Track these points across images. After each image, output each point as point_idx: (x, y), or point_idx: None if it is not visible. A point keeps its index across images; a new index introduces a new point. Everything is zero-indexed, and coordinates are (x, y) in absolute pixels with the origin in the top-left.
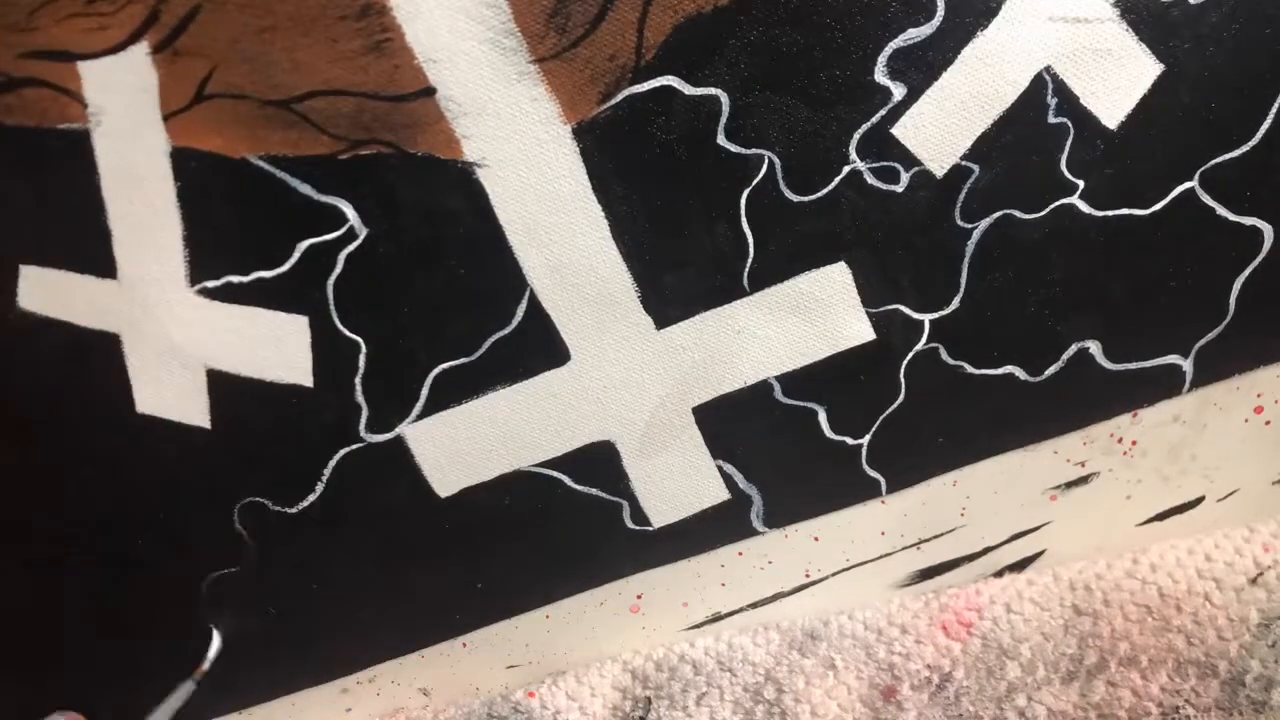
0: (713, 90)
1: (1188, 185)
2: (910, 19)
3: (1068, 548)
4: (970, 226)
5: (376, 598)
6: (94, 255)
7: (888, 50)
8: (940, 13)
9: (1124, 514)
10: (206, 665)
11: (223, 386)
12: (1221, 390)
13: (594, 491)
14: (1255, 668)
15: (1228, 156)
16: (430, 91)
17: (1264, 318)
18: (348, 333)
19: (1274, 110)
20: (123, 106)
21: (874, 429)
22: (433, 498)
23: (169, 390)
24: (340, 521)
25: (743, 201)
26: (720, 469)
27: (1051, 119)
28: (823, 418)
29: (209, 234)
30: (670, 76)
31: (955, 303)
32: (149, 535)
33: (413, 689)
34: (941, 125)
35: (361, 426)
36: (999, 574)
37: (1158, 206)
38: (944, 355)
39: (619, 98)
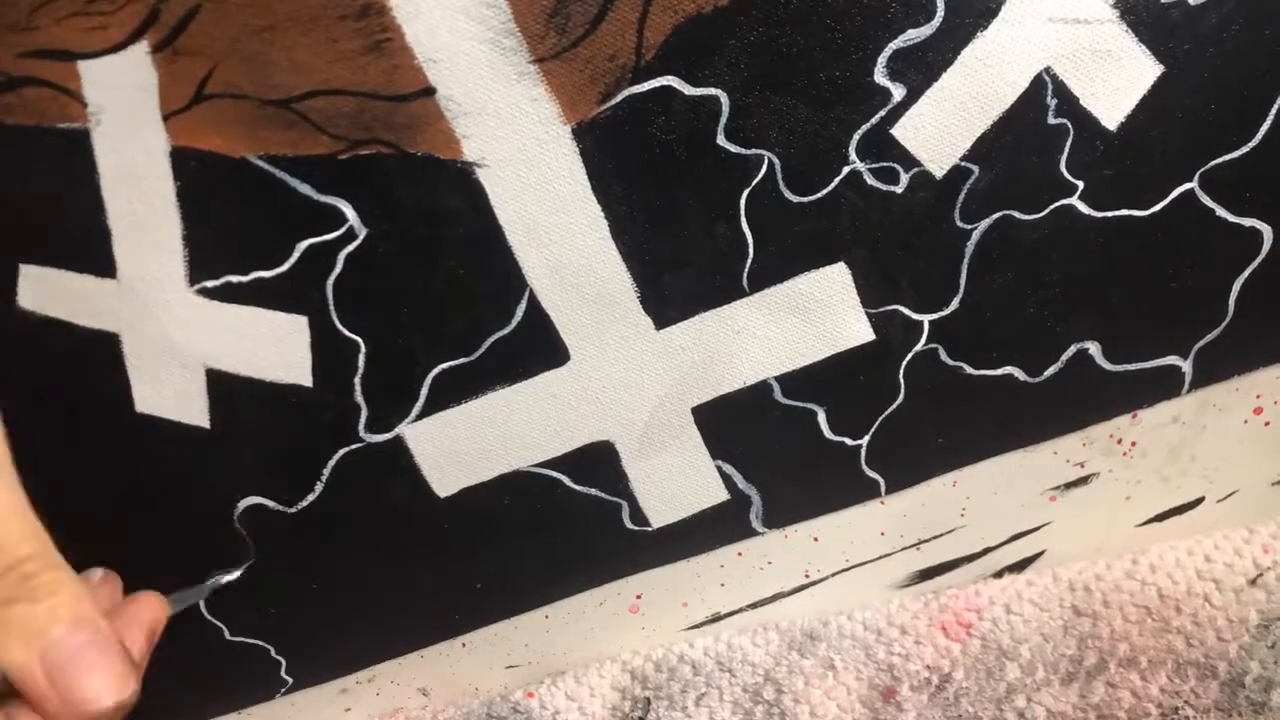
0: (713, 90)
1: (1187, 186)
2: (910, 20)
3: (1067, 548)
4: (970, 227)
5: (376, 598)
6: (94, 255)
7: (888, 51)
8: (940, 13)
9: (1123, 515)
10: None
11: (222, 386)
12: (1221, 391)
13: (593, 492)
14: (1254, 669)
15: (1228, 157)
16: (430, 91)
17: (1263, 319)
18: (347, 333)
19: (1274, 111)
20: (122, 106)
21: (873, 429)
22: (432, 498)
23: (168, 390)
24: (340, 521)
25: (742, 202)
26: (719, 469)
27: (1051, 120)
28: (822, 418)
29: (208, 234)
30: (670, 77)
31: (955, 303)
32: (148, 535)
33: (412, 689)
34: (941, 126)
35: (361, 426)
36: (998, 575)
37: (1157, 207)
38: (943, 356)
39: (619, 98)
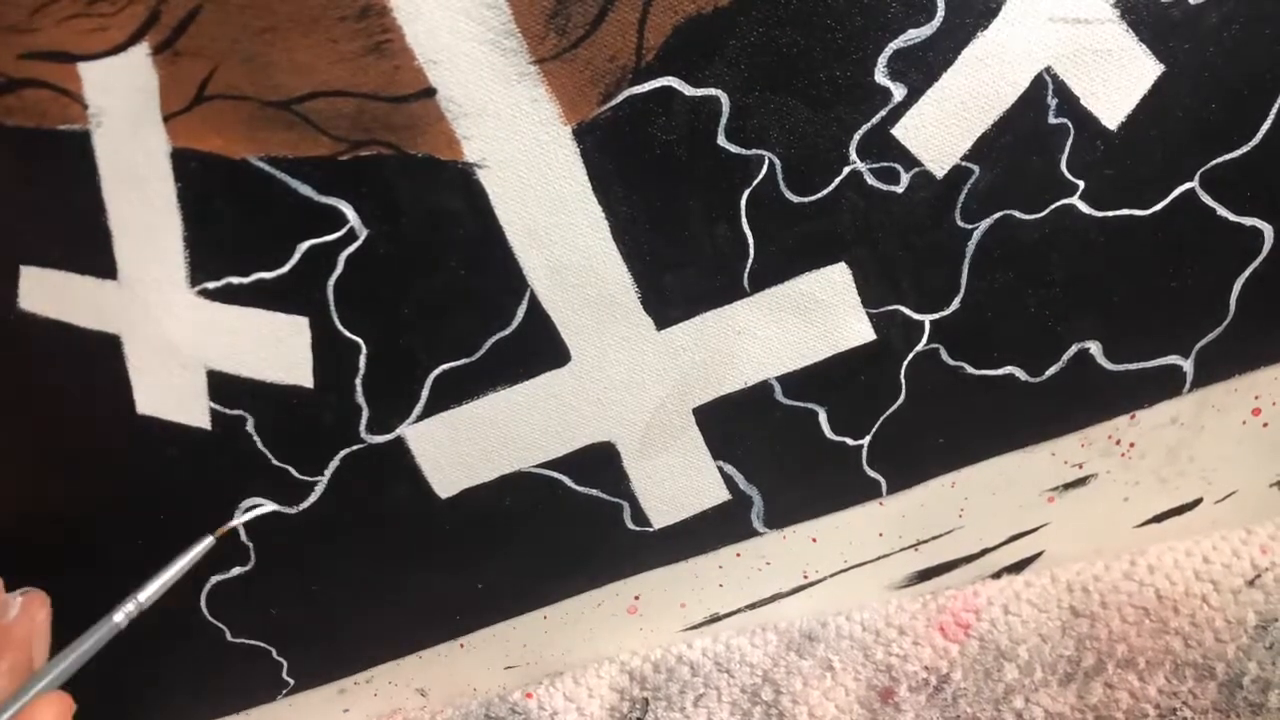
0: (713, 91)
1: (1188, 186)
2: (910, 19)
3: (1065, 549)
4: (970, 227)
5: (375, 598)
6: (94, 256)
7: (888, 51)
8: (940, 13)
9: (1122, 515)
10: (237, 522)
11: (223, 387)
12: (1219, 392)
13: (594, 492)
14: (1252, 670)
15: (1228, 157)
16: (431, 92)
17: (1264, 319)
18: (348, 334)
19: (1274, 111)
20: (123, 107)
21: (875, 429)
22: (433, 499)
23: (169, 391)
24: (340, 522)
25: (743, 202)
26: (721, 470)
27: (1052, 119)
28: (823, 418)
29: (209, 235)
30: (670, 77)
31: (955, 303)
32: (149, 536)
33: (410, 690)
34: (942, 126)
35: (362, 427)
36: (997, 575)
37: (1158, 207)
38: (944, 356)
39: (619, 98)
